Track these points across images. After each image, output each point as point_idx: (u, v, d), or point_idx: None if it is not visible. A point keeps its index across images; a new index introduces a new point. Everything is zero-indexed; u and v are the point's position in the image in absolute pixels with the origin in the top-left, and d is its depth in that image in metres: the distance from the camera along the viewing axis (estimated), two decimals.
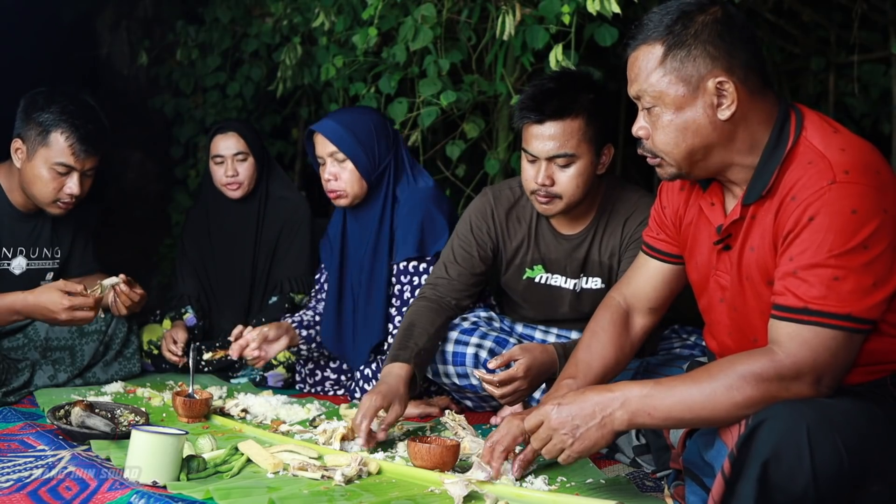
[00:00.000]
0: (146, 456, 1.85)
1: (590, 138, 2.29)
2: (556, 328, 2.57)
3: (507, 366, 2.25)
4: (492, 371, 2.26)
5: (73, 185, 2.67)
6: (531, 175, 2.33)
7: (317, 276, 3.05)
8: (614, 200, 2.43)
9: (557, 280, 2.50)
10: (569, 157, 2.27)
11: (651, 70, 1.64)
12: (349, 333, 2.81)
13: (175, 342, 3.00)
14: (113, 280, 2.64)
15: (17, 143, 2.68)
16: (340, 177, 2.72)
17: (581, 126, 2.27)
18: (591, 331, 2.00)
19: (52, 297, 2.49)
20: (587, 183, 2.32)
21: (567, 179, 2.29)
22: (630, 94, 1.72)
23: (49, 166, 2.64)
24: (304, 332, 2.82)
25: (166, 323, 3.14)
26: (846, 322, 1.49)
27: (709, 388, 1.55)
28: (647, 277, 1.99)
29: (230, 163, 3.14)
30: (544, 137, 2.27)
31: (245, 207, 3.21)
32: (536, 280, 2.51)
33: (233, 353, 2.65)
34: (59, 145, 2.63)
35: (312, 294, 3.04)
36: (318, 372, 2.94)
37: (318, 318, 2.88)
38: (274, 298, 3.15)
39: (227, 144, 3.15)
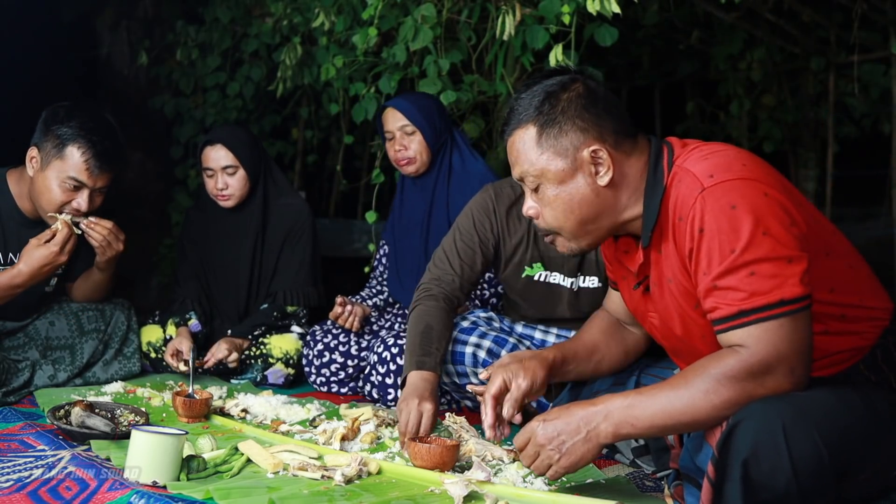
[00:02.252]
0: (146, 456, 1.85)
1: None
2: (556, 328, 2.57)
3: None
4: (484, 383, 2.26)
5: (81, 201, 2.66)
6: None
7: (378, 255, 3.32)
8: None
9: (556, 278, 2.50)
10: None
11: (528, 150, 1.74)
12: (410, 284, 2.99)
13: (179, 352, 2.95)
14: (77, 217, 2.67)
15: (32, 152, 2.68)
16: (410, 147, 3.00)
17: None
18: (581, 328, 2.12)
19: (39, 253, 2.59)
20: None
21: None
22: (514, 177, 1.81)
23: (61, 179, 2.63)
24: (370, 302, 3.16)
25: (170, 328, 3.09)
26: (782, 307, 1.51)
27: (686, 393, 1.57)
28: (614, 303, 2.08)
29: (219, 175, 3.10)
30: None
31: (241, 217, 3.19)
32: (535, 278, 2.52)
33: (208, 364, 2.99)
34: (74, 160, 2.62)
35: (374, 265, 3.35)
36: (325, 353, 2.97)
37: (378, 289, 3.25)
38: (265, 305, 3.14)
39: (215, 157, 3.10)
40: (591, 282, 2.47)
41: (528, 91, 1.77)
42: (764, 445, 1.44)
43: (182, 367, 2.93)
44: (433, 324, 2.36)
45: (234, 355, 3.00)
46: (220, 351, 2.98)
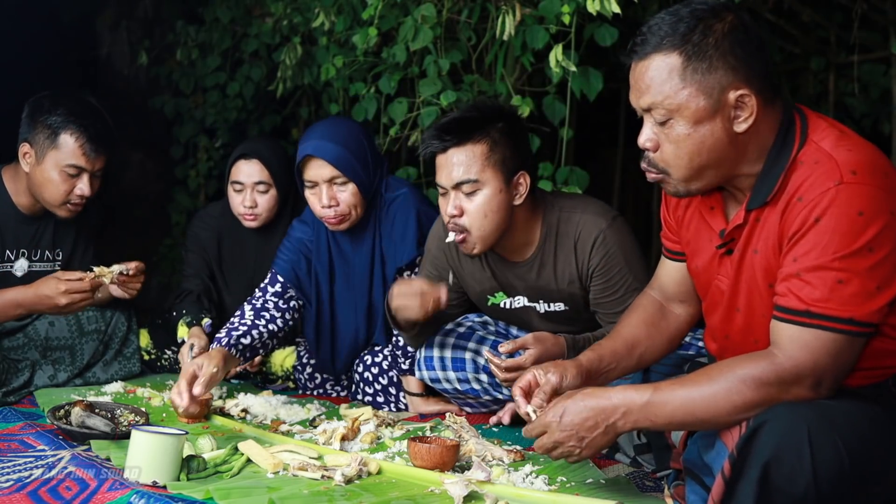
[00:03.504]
0: (146, 456, 1.85)
1: (495, 164, 2.21)
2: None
3: (516, 354, 2.23)
4: (501, 355, 2.22)
5: (83, 186, 2.68)
6: (444, 209, 2.27)
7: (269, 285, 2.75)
8: (556, 223, 2.33)
9: (521, 301, 2.44)
10: (473, 184, 2.20)
11: (667, 81, 1.57)
12: (345, 349, 2.78)
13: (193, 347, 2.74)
14: (119, 267, 2.63)
15: (24, 148, 2.69)
16: (341, 200, 2.55)
17: (484, 152, 2.21)
18: (619, 322, 2.02)
19: (48, 284, 2.56)
20: (499, 212, 2.22)
21: (474, 209, 2.21)
22: (637, 106, 1.64)
23: (60, 168, 2.65)
24: (242, 346, 2.54)
25: (182, 330, 2.90)
26: (848, 326, 1.49)
27: (709, 391, 1.55)
28: (666, 275, 1.97)
29: (249, 192, 2.91)
30: (448, 166, 2.22)
31: (263, 238, 3.01)
32: (501, 306, 2.48)
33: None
34: (69, 146, 2.64)
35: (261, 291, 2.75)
36: (317, 375, 2.93)
37: (250, 324, 2.59)
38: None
39: (248, 172, 2.89)
40: (557, 307, 2.41)
41: (670, 12, 1.59)
42: (787, 449, 1.42)
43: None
44: None
45: (258, 358, 2.88)
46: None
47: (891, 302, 1.49)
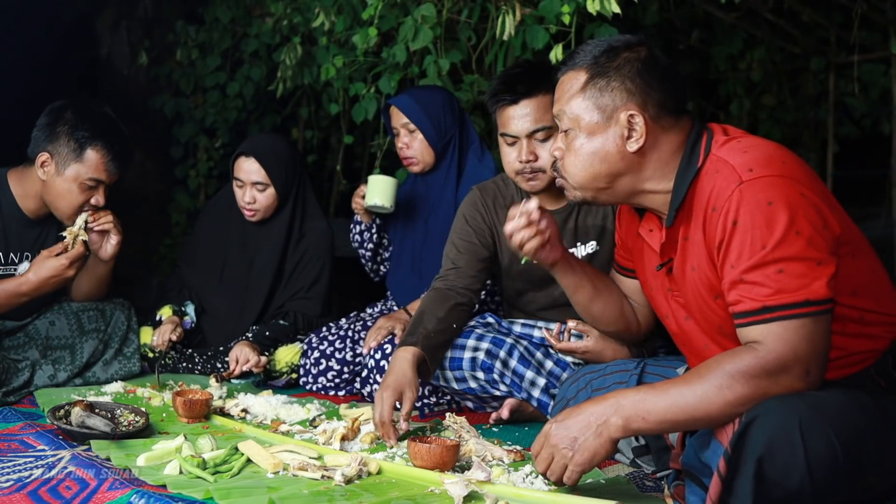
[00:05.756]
0: (381, 189, 2.81)
1: None
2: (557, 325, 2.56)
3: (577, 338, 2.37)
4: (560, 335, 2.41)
5: (99, 197, 2.75)
6: (513, 157, 2.41)
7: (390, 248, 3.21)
8: None
9: None
10: (547, 130, 2.37)
11: (572, 94, 1.76)
12: (415, 283, 3.02)
13: (166, 338, 2.98)
14: (82, 217, 2.70)
15: (43, 157, 2.71)
16: (412, 145, 2.95)
17: (552, 101, 2.36)
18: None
19: (49, 265, 2.64)
20: None
21: (548, 154, 2.38)
22: (553, 114, 1.85)
23: (80, 181, 2.70)
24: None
25: (166, 309, 3.08)
26: (806, 308, 1.51)
27: (700, 389, 1.56)
28: (621, 285, 2.14)
29: (248, 189, 3.03)
30: (521, 116, 2.37)
31: (264, 232, 3.13)
32: (535, 262, 2.53)
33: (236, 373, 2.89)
34: (94, 161, 2.70)
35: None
36: (322, 361, 2.94)
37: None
38: (284, 323, 3.06)
39: (247, 169, 3.02)
40: (591, 247, 2.51)
41: (598, 41, 1.79)
42: (780, 442, 1.43)
43: (158, 343, 2.98)
44: (425, 308, 2.45)
45: (264, 359, 2.91)
46: (245, 356, 2.87)
47: (835, 274, 1.52)
